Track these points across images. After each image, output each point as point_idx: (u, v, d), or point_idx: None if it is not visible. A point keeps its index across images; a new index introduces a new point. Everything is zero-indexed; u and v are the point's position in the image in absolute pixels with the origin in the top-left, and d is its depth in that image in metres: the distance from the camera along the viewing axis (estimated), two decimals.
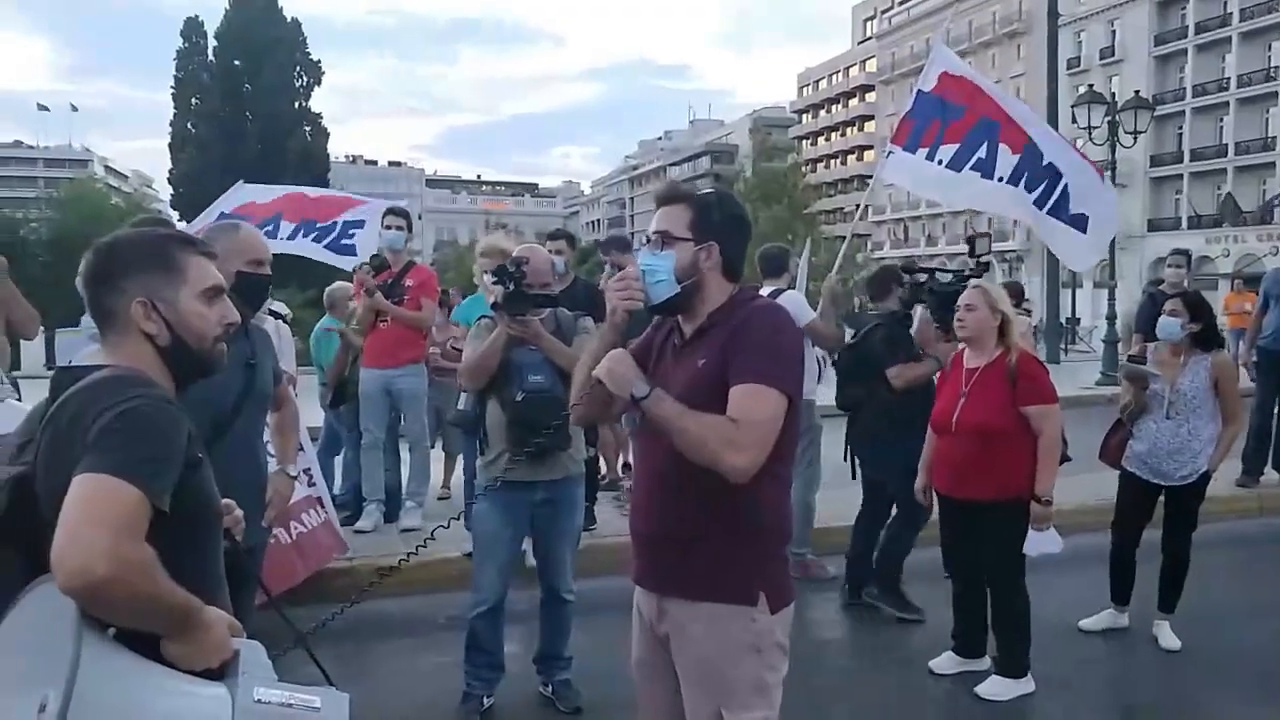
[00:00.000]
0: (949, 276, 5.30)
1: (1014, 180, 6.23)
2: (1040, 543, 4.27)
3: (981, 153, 6.23)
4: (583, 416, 2.64)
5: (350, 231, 7.18)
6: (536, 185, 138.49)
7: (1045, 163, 6.27)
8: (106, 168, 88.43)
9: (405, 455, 6.84)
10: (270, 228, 7.32)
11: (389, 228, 6.45)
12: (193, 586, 1.61)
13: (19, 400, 3.77)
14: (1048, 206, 6.31)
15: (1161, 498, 4.95)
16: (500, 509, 3.94)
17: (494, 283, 3.82)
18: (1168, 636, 4.91)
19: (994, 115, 6.24)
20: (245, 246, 3.24)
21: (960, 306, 4.43)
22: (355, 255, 7.14)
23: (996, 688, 4.35)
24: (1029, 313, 8.74)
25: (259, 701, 1.55)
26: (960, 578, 4.64)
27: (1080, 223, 6.32)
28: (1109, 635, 5.08)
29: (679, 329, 2.48)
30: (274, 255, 3.42)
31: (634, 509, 2.54)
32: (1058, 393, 4.39)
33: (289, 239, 7.42)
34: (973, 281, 4.72)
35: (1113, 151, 20.08)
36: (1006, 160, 6.23)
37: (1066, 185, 6.28)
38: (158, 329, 1.78)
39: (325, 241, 7.42)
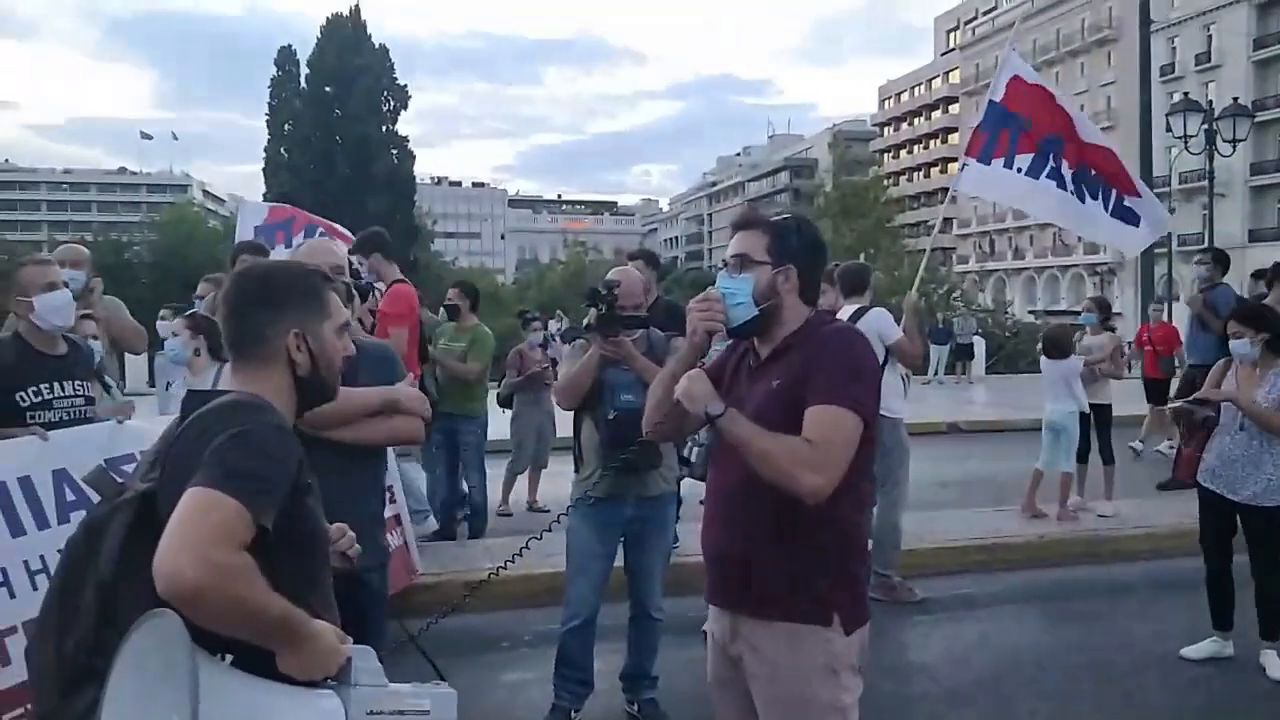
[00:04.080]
0: None
1: (1080, 196, 6.28)
2: None
3: (1052, 161, 6.28)
4: (659, 433, 2.68)
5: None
6: (615, 204, 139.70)
7: (1094, 175, 6.36)
8: (205, 192, 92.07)
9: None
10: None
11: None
12: (303, 604, 1.66)
13: (129, 419, 3.95)
14: (1110, 208, 6.39)
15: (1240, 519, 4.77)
16: (593, 525, 4.01)
17: (587, 305, 3.91)
18: (1275, 665, 4.70)
19: (1059, 130, 6.28)
20: (322, 253, 3.29)
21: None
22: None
23: None
24: (1113, 329, 8.52)
25: (371, 713, 1.61)
26: None
27: (1133, 218, 6.43)
28: (1213, 664, 4.88)
29: (754, 350, 2.51)
30: None
31: (706, 526, 2.55)
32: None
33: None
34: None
35: (1210, 160, 19.44)
36: (1068, 174, 6.29)
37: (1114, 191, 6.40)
38: (304, 359, 1.89)
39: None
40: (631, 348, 3.85)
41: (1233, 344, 4.73)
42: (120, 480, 1.85)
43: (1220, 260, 8.27)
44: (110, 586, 1.64)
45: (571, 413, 4.14)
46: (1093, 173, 6.34)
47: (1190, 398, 4.96)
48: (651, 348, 3.97)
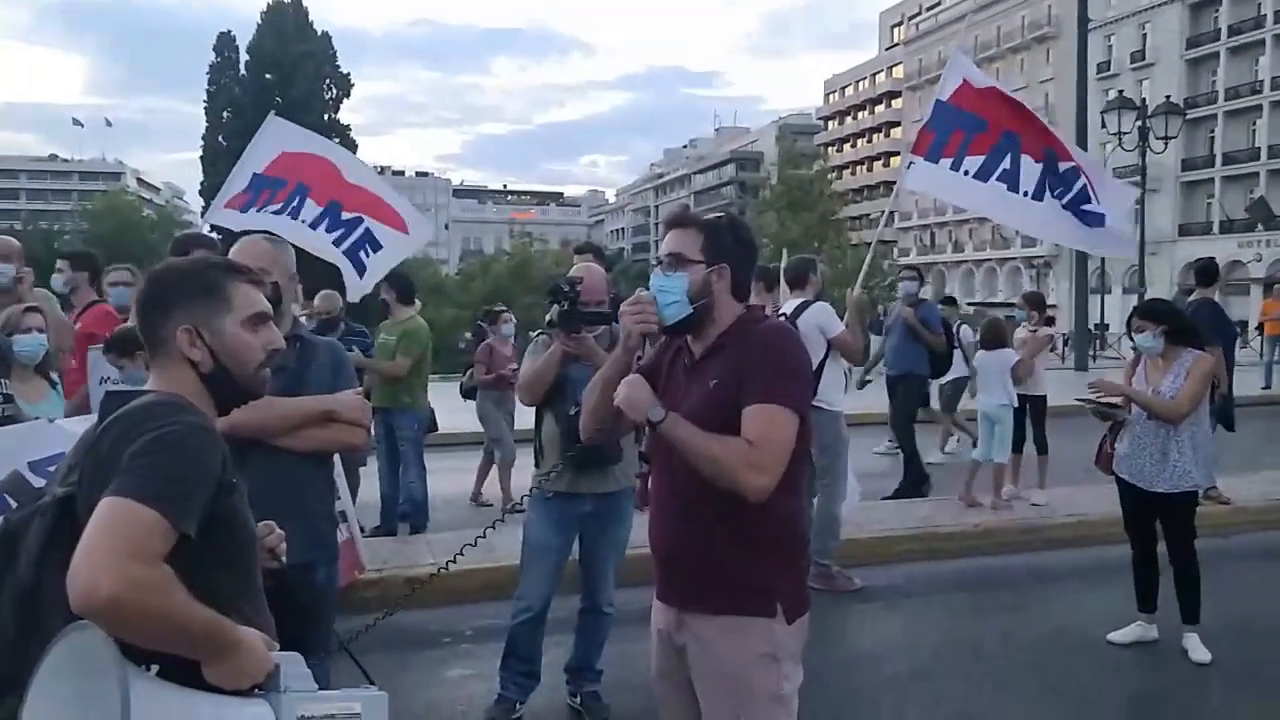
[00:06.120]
0: None
1: (1038, 194, 6.17)
2: None
3: (1006, 163, 6.16)
4: (595, 435, 2.71)
5: (366, 245, 6.29)
6: (561, 194, 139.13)
7: (1065, 167, 6.20)
8: (139, 180, 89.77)
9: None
10: (296, 203, 6.26)
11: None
12: (231, 608, 1.64)
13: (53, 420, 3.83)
14: (1078, 207, 6.25)
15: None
16: (550, 518, 4.05)
17: (549, 302, 3.91)
18: (1197, 649, 4.85)
19: (1014, 126, 6.20)
20: (254, 254, 3.08)
21: None
22: (362, 277, 6.33)
23: None
24: (1052, 321, 8.61)
25: (302, 717, 1.59)
26: None
27: (1099, 220, 6.28)
28: (1139, 648, 5.03)
29: (688, 349, 2.53)
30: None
31: (651, 525, 2.58)
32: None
33: (310, 226, 6.24)
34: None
35: (1143, 156, 19.93)
36: (1030, 171, 6.15)
37: (1087, 185, 6.23)
38: (201, 356, 1.83)
39: (344, 246, 6.36)
40: (593, 344, 3.87)
41: (1137, 338, 5.01)
42: (40, 484, 1.81)
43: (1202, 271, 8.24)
44: (30, 594, 1.60)
45: (533, 409, 4.14)
46: (1061, 165, 6.18)
47: (1096, 396, 5.16)
48: (613, 344, 3.98)
